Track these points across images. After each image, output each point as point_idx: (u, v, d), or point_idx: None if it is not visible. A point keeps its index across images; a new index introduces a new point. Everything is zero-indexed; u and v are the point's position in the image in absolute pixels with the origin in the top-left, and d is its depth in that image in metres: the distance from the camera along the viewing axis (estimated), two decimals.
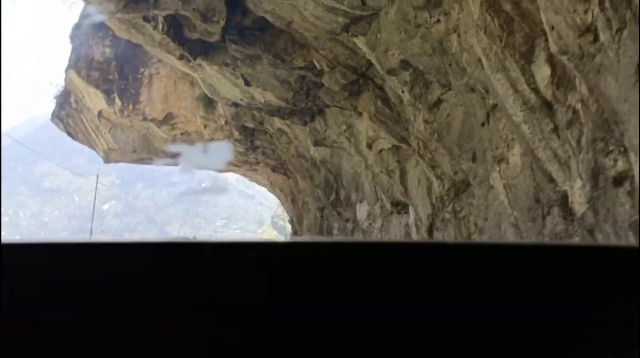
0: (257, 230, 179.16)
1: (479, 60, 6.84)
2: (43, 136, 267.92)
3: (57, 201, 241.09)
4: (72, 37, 22.53)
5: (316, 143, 15.98)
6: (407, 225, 12.49)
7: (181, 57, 11.82)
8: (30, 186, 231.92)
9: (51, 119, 23.98)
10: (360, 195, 15.28)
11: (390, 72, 9.30)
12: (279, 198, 27.93)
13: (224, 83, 13.95)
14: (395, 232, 13.25)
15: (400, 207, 12.89)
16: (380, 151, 12.67)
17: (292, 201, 23.80)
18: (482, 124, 7.73)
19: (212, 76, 13.85)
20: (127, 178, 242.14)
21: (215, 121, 20.95)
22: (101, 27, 21.09)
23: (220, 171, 27.66)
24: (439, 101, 8.93)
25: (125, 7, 9.66)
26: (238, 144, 21.26)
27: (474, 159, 8.31)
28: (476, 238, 8.91)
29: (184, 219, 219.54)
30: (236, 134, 20.68)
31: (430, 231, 10.54)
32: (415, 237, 11.88)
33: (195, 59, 11.72)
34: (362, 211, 15.32)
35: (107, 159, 24.04)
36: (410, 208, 11.81)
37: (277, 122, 17.27)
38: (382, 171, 12.76)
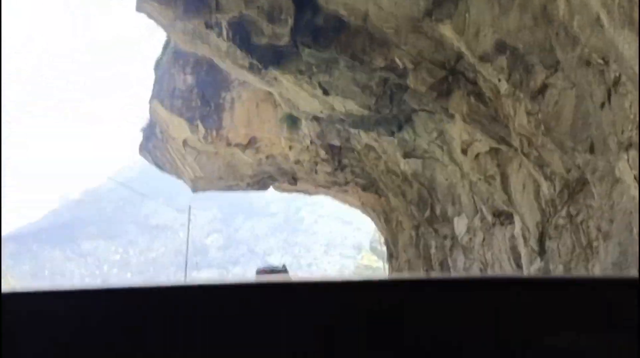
0: (357, 256, 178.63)
1: (597, 19, 5.40)
2: (148, 177, 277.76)
3: (163, 238, 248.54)
4: (155, 68, 22.19)
5: (406, 155, 14.62)
6: (512, 236, 10.94)
7: (251, 68, 10.82)
8: (138, 224, 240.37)
9: (139, 152, 23.69)
10: (457, 208, 13.79)
11: (484, 58, 7.92)
12: (371, 219, 26.61)
13: (302, 95, 12.90)
14: (499, 246, 11.70)
15: (504, 217, 11.34)
16: (477, 156, 11.20)
17: (386, 221, 22.45)
18: (602, 105, 6.24)
19: (289, 88, 12.83)
20: (228, 212, 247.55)
21: (300, 142, 20.00)
22: (182, 55, 20.63)
23: (310, 193, 26.61)
24: (544, 87, 7.46)
25: (185, 12, 8.73)
26: (325, 164, 20.19)
27: (591, 150, 6.80)
28: (599, 245, 7.34)
29: (284, 248, 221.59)
30: (322, 153, 19.63)
31: (541, 241, 8.99)
32: (522, 250, 10.32)
33: (266, 67, 10.69)
34: (460, 225, 13.79)
35: (194, 188, 23.49)
36: (516, 217, 10.27)
37: (364, 137, 16.08)
38: (480, 179, 11.29)
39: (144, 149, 23.53)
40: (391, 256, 23.42)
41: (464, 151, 11.35)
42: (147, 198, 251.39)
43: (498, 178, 10.37)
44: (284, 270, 34.77)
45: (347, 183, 22.12)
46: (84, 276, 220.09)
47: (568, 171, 7.60)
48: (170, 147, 22.67)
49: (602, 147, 6.57)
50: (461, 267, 13.78)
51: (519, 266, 10.61)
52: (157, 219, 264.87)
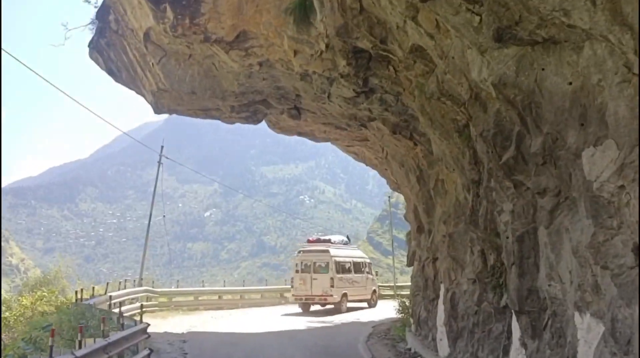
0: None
1: None
2: (152, 144, 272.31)
3: (161, 206, 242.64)
4: None
5: (499, 38, 7.30)
6: None
7: None
8: (137, 190, 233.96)
9: (89, 53, 16.65)
10: (592, 132, 6.37)
11: None
12: (395, 181, 19.56)
13: None
14: None
15: None
16: None
17: (419, 180, 15.33)
18: None
19: None
20: (229, 188, 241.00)
21: (311, 45, 12.92)
22: None
23: (316, 137, 19.50)
24: None
25: None
26: (344, 82, 13.09)
27: None
28: None
29: (281, 230, 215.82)
30: (342, 64, 12.51)
31: None
32: None
33: None
34: (600, 163, 6.38)
35: (157, 107, 16.38)
36: None
37: (414, 33, 9.02)
38: None
39: (94, 48, 16.47)
40: (420, 232, 16.34)
41: None
42: (150, 165, 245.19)
43: None
44: (345, 242, 29.61)
45: (371, 119, 15.05)
46: (79, 237, 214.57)
47: None
48: (128, 45, 15.59)
49: None
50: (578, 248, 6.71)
51: None
52: (157, 187, 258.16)
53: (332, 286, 27.06)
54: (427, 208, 15.47)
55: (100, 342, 10.14)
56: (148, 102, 16.96)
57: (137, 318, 22.63)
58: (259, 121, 17.59)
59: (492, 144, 8.69)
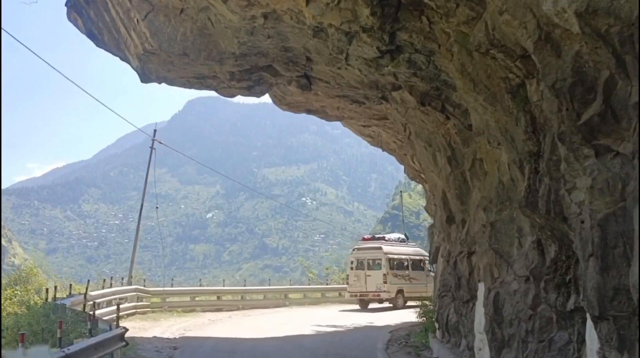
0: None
1: None
2: (156, 145, 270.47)
3: (164, 208, 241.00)
4: None
5: None
6: None
7: None
8: (140, 191, 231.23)
9: (67, 14, 14.14)
10: None
11: None
12: (416, 167, 17.01)
13: None
14: None
15: None
16: None
17: (450, 161, 12.75)
18: None
19: None
20: (232, 189, 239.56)
21: None
22: None
23: (328, 115, 16.92)
24: None
25: None
26: (366, 39, 10.55)
27: None
28: None
29: (283, 232, 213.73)
30: (364, 14, 9.95)
31: None
32: None
33: None
34: None
35: (144, 74, 13.81)
36: None
37: None
38: None
39: (72, 7, 13.95)
40: (449, 223, 13.76)
41: None
42: (152, 167, 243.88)
43: None
44: (402, 239, 31.92)
45: (395, 88, 12.53)
46: (82, 237, 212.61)
47: None
48: (110, 0, 13.09)
49: None
50: None
51: None
52: (159, 188, 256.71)
53: (385, 282, 27.22)
54: (461, 194, 12.88)
55: (57, 354, 7.61)
56: (134, 68, 14.31)
57: (126, 320, 20.30)
58: (262, 93, 14.97)
59: (569, 98, 6.14)
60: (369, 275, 27.70)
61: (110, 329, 10.45)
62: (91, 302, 17.01)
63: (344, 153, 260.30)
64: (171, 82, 14.78)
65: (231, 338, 16.96)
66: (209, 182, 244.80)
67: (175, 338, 16.55)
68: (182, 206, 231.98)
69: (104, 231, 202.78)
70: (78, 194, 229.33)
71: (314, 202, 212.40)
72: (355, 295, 28.34)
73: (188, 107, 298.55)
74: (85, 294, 16.94)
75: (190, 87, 14.58)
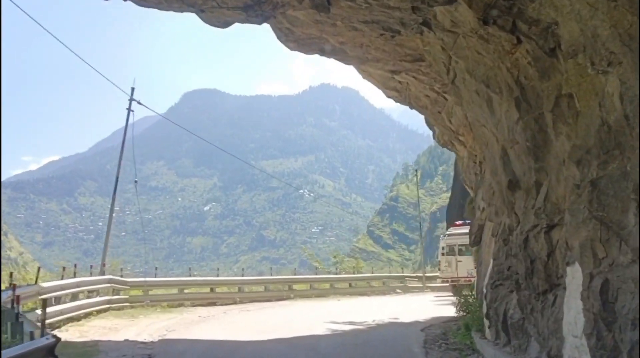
0: (352, 238, 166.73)
1: None
2: (153, 136, 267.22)
3: (161, 200, 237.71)
4: None
5: None
6: None
7: None
8: (138, 184, 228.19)
9: None
10: None
11: None
12: (453, 127, 13.27)
13: None
14: None
15: None
16: None
17: (519, 104, 8.99)
18: None
19: None
20: (229, 182, 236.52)
21: None
22: None
23: (348, 57, 13.09)
24: None
25: None
26: None
27: None
28: None
29: (281, 224, 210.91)
30: None
31: None
32: None
33: None
34: None
35: None
36: None
37: None
38: None
39: None
40: (513, 190, 9.98)
41: None
42: (150, 159, 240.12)
43: None
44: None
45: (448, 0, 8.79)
46: (78, 231, 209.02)
47: None
48: None
49: None
50: None
51: None
52: (156, 181, 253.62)
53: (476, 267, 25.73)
54: (535, 147, 9.11)
55: None
56: None
57: (94, 318, 16.51)
58: (263, 18, 11.02)
59: None
60: (459, 261, 27.74)
61: (32, 338, 6.71)
62: (50, 295, 13.32)
63: (342, 145, 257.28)
64: (149, 4, 10.92)
65: (225, 341, 12.99)
66: (206, 175, 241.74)
67: (152, 342, 12.54)
68: (180, 199, 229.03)
69: (100, 224, 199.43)
70: (74, 187, 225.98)
71: (312, 194, 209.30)
72: (447, 280, 28.68)
73: (184, 100, 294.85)
74: (36, 283, 13.14)
75: (169, 9, 10.79)
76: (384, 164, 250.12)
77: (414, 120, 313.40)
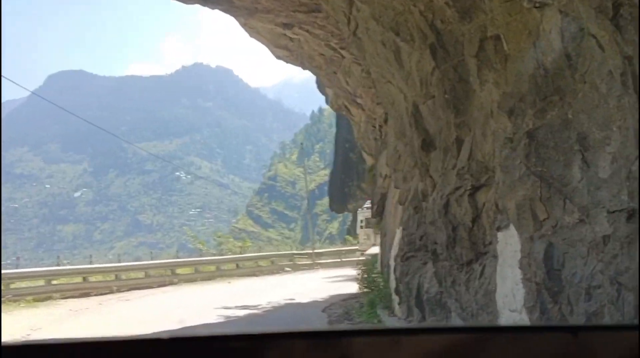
0: (232, 219, 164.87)
1: None
2: (16, 120, 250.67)
3: (28, 188, 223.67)
4: None
5: None
6: None
7: None
8: (2, 172, 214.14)
9: None
10: None
11: None
12: (351, 88, 12.05)
13: None
14: None
15: None
16: None
17: (435, 52, 7.90)
18: None
19: None
20: (100, 166, 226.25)
21: None
22: None
23: (234, 11, 11.51)
24: None
25: None
26: None
27: None
28: None
29: (158, 208, 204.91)
30: None
31: None
32: None
33: None
34: None
35: None
36: None
37: None
38: None
39: None
40: (427, 149, 8.93)
41: None
42: (14, 145, 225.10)
43: None
44: None
45: None
46: None
47: None
48: None
49: None
50: None
51: None
52: (22, 168, 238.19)
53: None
54: (455, 99, 8.09)
55: None
56: None
57: None
58: None
59: None
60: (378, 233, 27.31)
61: None
62: None
63: (218, 126, 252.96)
64: None
65: (102, 339, 11.36)
66: (75, 160, 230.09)
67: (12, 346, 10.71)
68: (48, 186, 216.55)
69: None
70: None
71: (188, 176, 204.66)
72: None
73: (49, 82, 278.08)
74: None
75: None
76: (262, 143, 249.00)
77: (290, 99, 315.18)
